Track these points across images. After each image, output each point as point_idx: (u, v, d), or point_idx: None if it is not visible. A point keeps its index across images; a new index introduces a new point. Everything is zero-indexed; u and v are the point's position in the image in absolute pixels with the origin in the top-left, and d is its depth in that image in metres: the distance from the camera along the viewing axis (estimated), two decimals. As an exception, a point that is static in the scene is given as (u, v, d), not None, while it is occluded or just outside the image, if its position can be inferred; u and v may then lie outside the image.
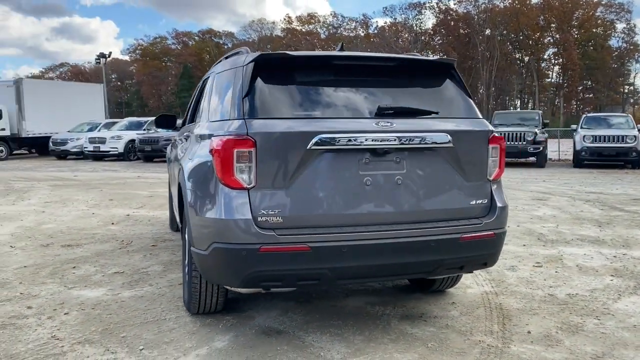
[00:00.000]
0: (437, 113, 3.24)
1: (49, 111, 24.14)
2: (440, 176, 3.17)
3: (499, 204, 3.32)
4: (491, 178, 3.34)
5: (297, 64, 3.22)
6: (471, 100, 3.43)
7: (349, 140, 2.93)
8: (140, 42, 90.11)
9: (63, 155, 23.02)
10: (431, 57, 3.48)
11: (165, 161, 9.10)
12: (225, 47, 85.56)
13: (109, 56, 40.65)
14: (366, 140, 2.95)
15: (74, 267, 4.97)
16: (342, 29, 76.76)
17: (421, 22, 71.12)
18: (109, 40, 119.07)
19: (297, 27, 79.72)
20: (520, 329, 3.48)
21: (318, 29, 78.80)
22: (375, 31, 74.81)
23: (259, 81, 3.06)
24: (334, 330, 3.45)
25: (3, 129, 22.97)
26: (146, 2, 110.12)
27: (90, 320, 3.62)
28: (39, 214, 7.99)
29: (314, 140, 2.88)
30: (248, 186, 2.89)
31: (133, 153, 21.33)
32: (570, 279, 4.53)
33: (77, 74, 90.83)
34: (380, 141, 2.98)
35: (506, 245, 5.56)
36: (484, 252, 3.27)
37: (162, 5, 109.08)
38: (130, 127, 23.25)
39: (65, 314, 3.76)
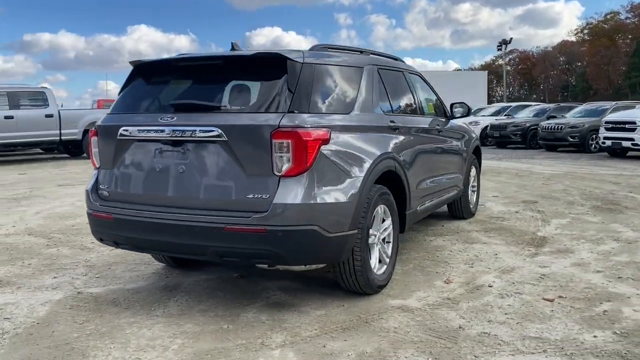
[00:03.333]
0: (225, 108, 3.36)
1: (431, 100, 26.73)
2: (218, 168, 3.32)
3: (277, 201, 3.17)
4: (280, 174, 3.21)
5: (151, 67, 3.87)
6: (292, 93, 3.31)
7: (138, 132, 3.50)
8: (590, 20, 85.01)
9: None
10: (255, 52, 3.47)
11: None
12: None
13: (509, 42, 40.86)
14: (149, 132, 3.46)
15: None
16: None
17: None
18: (571, 21, 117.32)
19: None
20: (321, 341, 3.21)
21: None
22: None
23: (128, 82, 3.90)
24: (202, 299, 3.96)
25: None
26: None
27: (120, 256, 5.16)
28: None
29: (119, 132, 3.59)
30: (97, 166, 3.84)
31: (488, 138, 21.73)
32: (541, 322, 3.42)
33: (524, 60, 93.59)
34: (158, 133, 3.42)
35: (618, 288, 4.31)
36: (255, 247, 3.22)
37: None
38: (497, 113, 23.77)
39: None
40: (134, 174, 3.64)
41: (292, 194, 3.21)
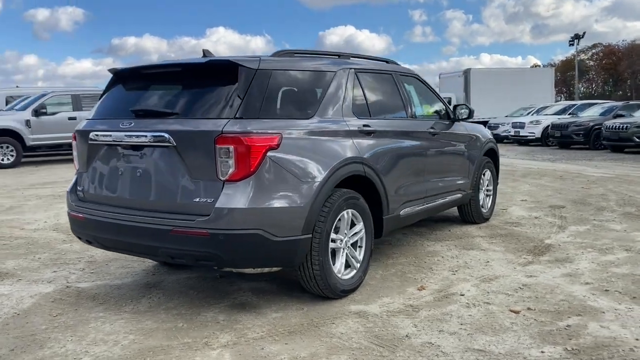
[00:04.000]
0: (177, 114, 3.47)
1: (493, 97, 25.86)
2: (169, 172, 3.45)
3: (220, 205, 3.25)
4: (224, 178, 3.28)
5: (124, 75, 4.04)
6: (241, 99, 3.38)
7: (104, 137, 3.69)
8: (687, 9, 78.87)
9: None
10: (208, 59, 3.54)
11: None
12: None
13: (583, 36, 38.75)
14: (111, 137, 3.63)
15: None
16: None
17: None
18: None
19: None
20: (262, 343, 3.27)
21: None
22: None
23: (107, 89, 4.11)
24: (174, 297, 4.12)
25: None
26: None
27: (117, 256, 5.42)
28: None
29: (89, 136, 3.80)
30: (77, 169, 4.08)
31: (550, 139, 20.77)
32: (494, 334, 3.31)
33: (609, 54, 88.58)
34: (118, 138, 3.59)
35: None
36: (200, 250, 3.31)
37: None
38: (561, 111, 22.70)
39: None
40: (102, 177, 3.84)
41: (235, 198, 3.28)
